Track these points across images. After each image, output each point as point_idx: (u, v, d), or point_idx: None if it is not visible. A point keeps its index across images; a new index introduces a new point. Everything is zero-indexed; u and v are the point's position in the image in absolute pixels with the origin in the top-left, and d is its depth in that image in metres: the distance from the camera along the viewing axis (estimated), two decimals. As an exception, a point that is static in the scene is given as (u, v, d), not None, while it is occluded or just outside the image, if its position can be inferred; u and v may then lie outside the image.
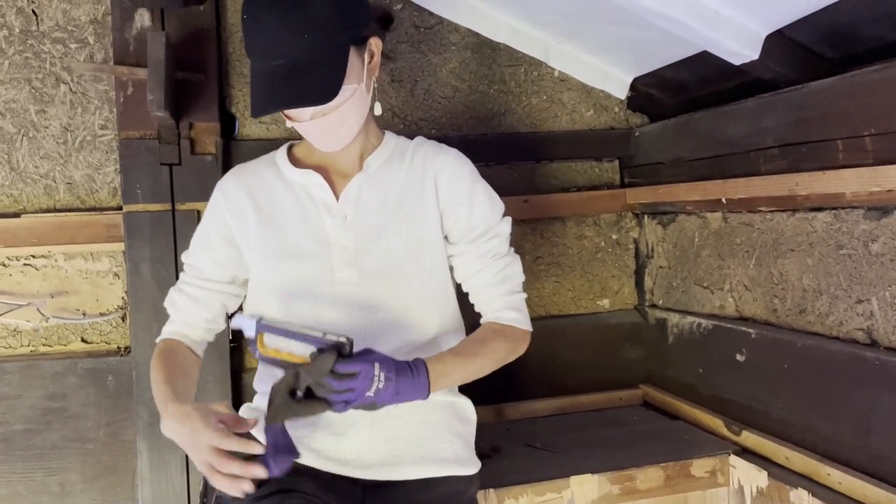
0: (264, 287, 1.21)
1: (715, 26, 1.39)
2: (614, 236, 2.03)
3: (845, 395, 1.32)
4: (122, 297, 1.68)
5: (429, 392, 1.06)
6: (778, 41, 1.39)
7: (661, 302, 1.96)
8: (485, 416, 1.86)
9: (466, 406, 1.30)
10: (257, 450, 1.00)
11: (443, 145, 1.29)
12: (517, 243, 1.94)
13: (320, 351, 1.01)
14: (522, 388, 1.93)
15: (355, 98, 1.12)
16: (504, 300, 1.24)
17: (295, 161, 1.25)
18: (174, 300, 1.26)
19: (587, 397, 1.94)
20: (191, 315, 1.25)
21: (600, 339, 1.99)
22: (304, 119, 1.11)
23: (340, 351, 1.01)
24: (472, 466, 1.25)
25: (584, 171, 2.00)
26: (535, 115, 1.93)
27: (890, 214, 1.25)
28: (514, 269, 1.26)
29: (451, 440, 1.23)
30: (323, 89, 1.05)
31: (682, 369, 1.84)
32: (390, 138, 1.28)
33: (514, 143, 1.91)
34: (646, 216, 2.02)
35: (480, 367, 1.20)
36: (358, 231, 1.19)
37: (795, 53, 1.42)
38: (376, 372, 1.01)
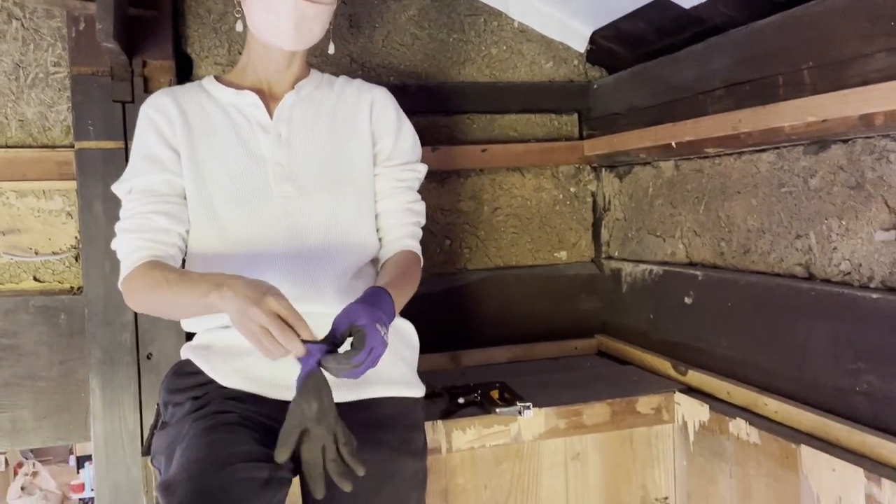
0: (201, 207, 1.22)
1: (665, -31, 1.41)
2: (572, 189, 2.05)
3: (784, 329, 1.36)
4: (76, 237, 1.67)
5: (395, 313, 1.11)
6: (727, -18, 1.42)
7: (616, 253, 1.99)
8: (441, 363, 1.89)
9: (410, 331, 1.32)
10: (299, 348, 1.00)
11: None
12: (477, 194, 1.97)
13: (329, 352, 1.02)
14: (479, 337, 1.95)
15: (331, 12, 1.23)
16: (410, 229, 1.34)
17: (226, 85, 1.29)
18: (133, 227, 1.21)
19: (543, 346, 1.96)
20: (165, 233, 1.21)
21: (557, 290, 2.02)
22: None
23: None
24: (417, 389, 1.27)
25: (544, 124, 2.02)
26: (494, 66, 1.94)
27: (827, 149, 1.28)
28: (421, 207, 1.37)
29: (396, 363, 1.25)
30: None
31: (635, 317, 1.87)
32: (318, 73, 1.37)
33: (473, 92, 1.92)
34: (603, 169, 2.04)
35: (410, 292, 1.25)
36: (292, 148, 1.24)
37: (744, -5, 1.44)
38: (382, 332, 1.03)
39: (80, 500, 4.67)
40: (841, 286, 1.25)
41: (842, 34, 1.16)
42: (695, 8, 1.47)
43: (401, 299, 1.18)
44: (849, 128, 1.15)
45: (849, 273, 1.25)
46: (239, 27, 1.30)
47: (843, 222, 1.25)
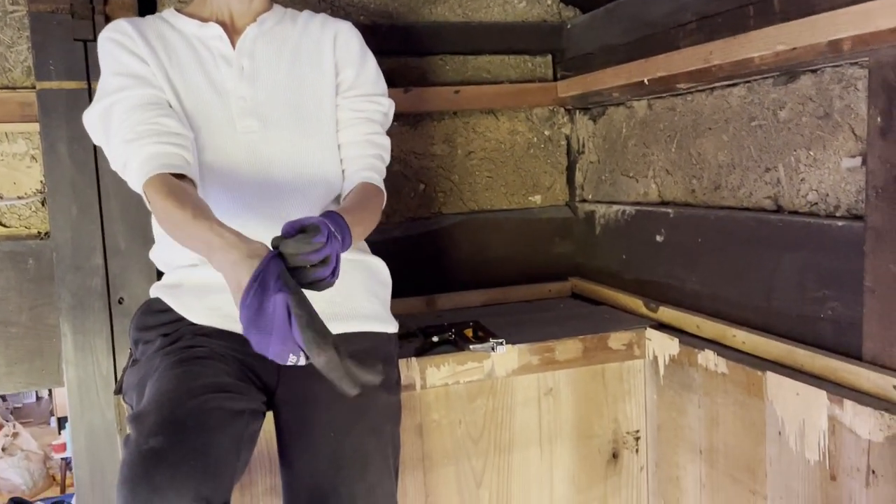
0: None
1: None
2: (547, 132, 2.04)
3: (752, 261, 1.37)
4: (41, 182, 1.64)
5: (351, 239, 1.03)
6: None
7: (590, 196, 1.99)
8: (416, 306, 1.89)
9: (381, 267, 1.32)
10: None
11: None
12: (450, 138, 1.95)
13: (274, 243, 0.91)
14: (454, 281, 1.96)
15: None
16: (370, 161, 1.29)
17: (189, 17, 1.25)
18: (141, 133, 1.10)
19: (518, 289, 1.98)
20: (178, 136, 1.11)
21: (532, 233, 2.02)
22: None
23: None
24: (390, 325, 1.28)
25: (518, 66, 2.00)
26: (466, 5, 1.91)
27: (796, 80, 1.28)
28: (384, 141, 1.33)
29: (369, 299, 1.26)
30: None
31: (608, 258, 1.88)
32: (280, 7, 1.33)
33: (445, 32, 1.89)
34: (577, 112, 2.03)
35: (370, 223, 1.21)
36: (254, 81, 1.22)
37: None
38: (332, 228, 0.96)
39: (62, 459, 4.69)
40: (808, 216, 1.26)
41: (812, -40, 1.15)
42: (667, -60, 1.46)
43: (358, 228, 1.10)
44: (817, 55, 1.15)
45: (816, 203, 1.26)
46: None
47: (812, 153, 1.26)
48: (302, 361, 0.87)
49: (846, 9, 1.08)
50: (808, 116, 1.26)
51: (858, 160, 1.16)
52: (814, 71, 1.24)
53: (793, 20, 1.17)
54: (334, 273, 0.93)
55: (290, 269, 0.89)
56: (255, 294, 0.84)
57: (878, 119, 1.09)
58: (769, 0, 1.23)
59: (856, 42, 1.07)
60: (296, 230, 0.93)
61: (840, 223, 1.18)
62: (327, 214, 1.01)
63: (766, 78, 1.34)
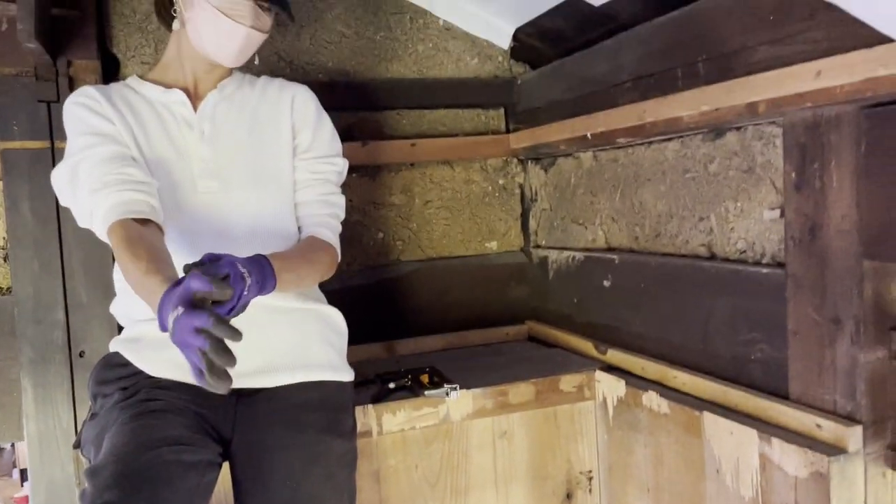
0: None
1: (572, -33, 1.48)
2: (501, 181, 2.12)
3: (690, 305, 1.45)
4: (3, 238, 1.67)
5: (276, 282, 1.07)
6: (630, -19, 1.50)
7: (543, 242, 2.07)
8: (376, 352, 1.94)
9: (337, 317, 1.36)
10: None
11: None
12: (408, 188, 2.02)
13: (185, 269, 0.96)
14: (414, 327, 2.01)
15: None
16: (323, 219, 1.35)
17: (153, 83, 1.32)
18: (107, 183, 1.14)
19: (476, 333, 2.03)
20: (143, 184, 1.16)
21: (488, 278, 2.09)
22: (258, 26, 1.26)
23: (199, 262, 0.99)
24: (345, 373, 1.32)
25: (472, 119, 2.08)
26: (421, 63, 2.00)
27: (723, 136, 1.38)
28: (339, 199, 1.40)
29: (324, 348, 1.30)
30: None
31: (561, 302, 1.95)
32: (239, 73, 1.41)
33: (401, 89, 1.97)
34: (529, 161, 2.12)
35: (309, 272, 1.25)
36: (215, 144, 1.28)
37: (647, -8, 1.53)
38: (241, 269, 1.00)
39: (24, 512, 4.58)
40: (738, 263, 1.34)
41: (729, 29, 1.25)
42: (603, 6, 1.55)
43: (288, 274, 1.12)
44: (737, 115, 1.24)
45: (744, 251, 1.34)
46: (176, 26, 1.30)
47: (739, 204, 1.35)
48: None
49: (760, 74, 1.17)
50: (734, 170, 1.35)
51: (777, 212, 1.24)
52: (738, 128, 1.34)
53: (714, 83, 1.27)
54: (232, 311, 0.95)
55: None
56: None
57: (793, 175, 1.18)
58: (695, 64, 1.33)
59: (770, 105, 1.17)
60: (207, 262, 0.96)
61: (765, 270, 1.26)
62: (252, 257, 1.05)
63: (697, 134, 1.44)
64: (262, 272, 1.04)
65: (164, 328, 0.91)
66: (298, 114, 1.38)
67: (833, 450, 1.09)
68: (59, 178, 1.22)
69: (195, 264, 0.96)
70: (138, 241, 1.09)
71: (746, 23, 1.21)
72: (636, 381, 1.54)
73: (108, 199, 1.14)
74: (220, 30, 1.24)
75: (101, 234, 1.16)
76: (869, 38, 0.98)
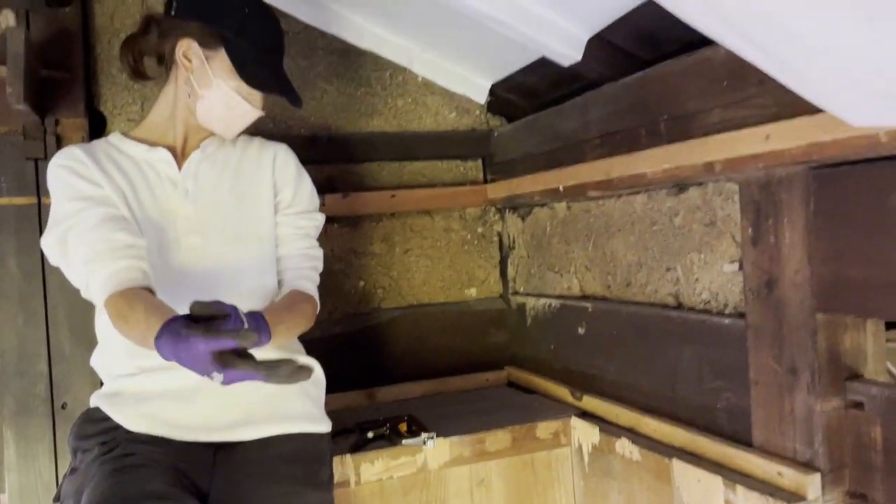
0: None
1: (541, 30, 1.55)
2: (480, 230, 2.18)
3: (659, 353, 1.49)
4: (-11, 291, 1.70)
5: (270, 337, 1.11)
6: (598, 44, 1.57)
7: (521, 289, 2.12)
8: (357, 400, 1.96)
9: (316, 368, 1.39)
10: None
11: None
12: (388, 237, 2.07)
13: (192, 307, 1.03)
14: (395, 374, 2.04)
15: None
16: (306, 272, 1.42)
17: (137, 141, 1.37)
18: (98, 253, 1.18)
19: (455, 379, 2.06)
20: (131, 248, 1.20)
21: (468, 325, 2.13)
22: (255, 105, 1.37)
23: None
24: (322, 424, 1.35)
25: (451, 170, 2.14)
26: (401, 117, 2.07)
27: (686, 191, 1.44)
28: (319, 252, 1.47)
29: (301, 399, 1.33)
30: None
31: (539, 347, 1.99)
32: None
33: (382, 142, 2.03)
34: (507, 210, 2.18)
35: (296, 324, 1.31)
36: (198, 202, 1.33)
37: (614, 54, 1.59)
38: (244, 320, 1.04)
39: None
40: (703, 313, 1.39)
41: (687, 91, 1.32)
42: (571, 66, 1.63)
43: (279, 326, 1.19)
44: (697, 173, 1.30)
45: (709, 301, 1.39)
46: (171, 90, 1.38)
47: (702, 256, 1.40)
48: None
49: (716, 136, 1.23)
50: (697, 224, 1.41)
51: (737, 265, 1.30)
52: (700, 184, 1.40)
53: (675, 143, 1.33)
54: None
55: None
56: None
57: (750, 230, 1.24)
58: (657, 123, 1.40)
59: (725, 165, 1.23)
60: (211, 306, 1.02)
61: (727, 321, 1.31)
62: (250, 312, 1.10)
63: (662, 188, 1.50)
64: (259, 327, 1.08)
65: (166, 357, 1.00)
66: (280, 172, 1.44)
67: (794, 497, 1.12)
68: (49, 246, 1.25)
69: (202, 309, 1.02)
70: (136, 305, 1.13)
71: (702, 87, 1.28)
72: (610, 427, 1.57)
73: (101, 271, 1.18)
74: (234, 112, 1.35)
75: (99, 306, 1.22)
76: (812, 105, 1.05)
